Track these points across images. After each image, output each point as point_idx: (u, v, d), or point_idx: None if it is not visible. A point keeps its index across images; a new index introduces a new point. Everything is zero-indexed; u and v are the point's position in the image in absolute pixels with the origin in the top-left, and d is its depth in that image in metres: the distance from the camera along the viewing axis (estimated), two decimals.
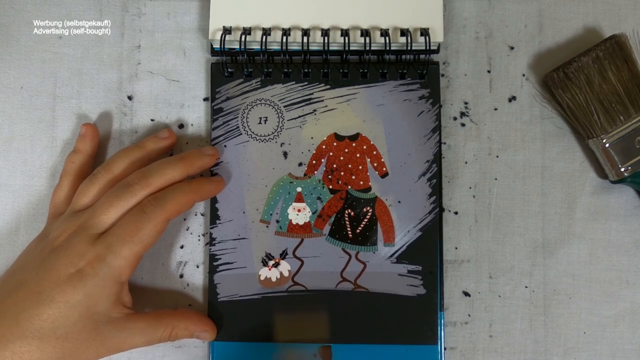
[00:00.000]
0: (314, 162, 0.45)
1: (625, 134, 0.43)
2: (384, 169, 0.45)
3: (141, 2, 0.47)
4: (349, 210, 0.44)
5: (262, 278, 0.44)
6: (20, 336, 0.36)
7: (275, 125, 0.45)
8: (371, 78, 0.45)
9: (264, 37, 0.44)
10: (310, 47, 0.44)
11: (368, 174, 0.45)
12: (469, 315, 0.45)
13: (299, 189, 0.45)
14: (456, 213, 0.46)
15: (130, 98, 0.47)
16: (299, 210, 0.45)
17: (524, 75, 0.47)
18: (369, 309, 0.44)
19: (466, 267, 0.45)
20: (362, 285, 0.44)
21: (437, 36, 0.44)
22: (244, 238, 0.44)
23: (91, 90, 0.47)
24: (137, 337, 0.40)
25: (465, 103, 0.46)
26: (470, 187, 0.46)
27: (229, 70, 0.45)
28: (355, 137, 0.45)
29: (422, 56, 0.45)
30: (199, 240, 0.46)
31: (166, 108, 0.47)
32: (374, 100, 0.45)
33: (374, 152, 0.45)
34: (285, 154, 0.45)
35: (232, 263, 0.44)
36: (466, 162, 0.46)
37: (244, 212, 0.45)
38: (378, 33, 0.44)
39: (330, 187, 0.45)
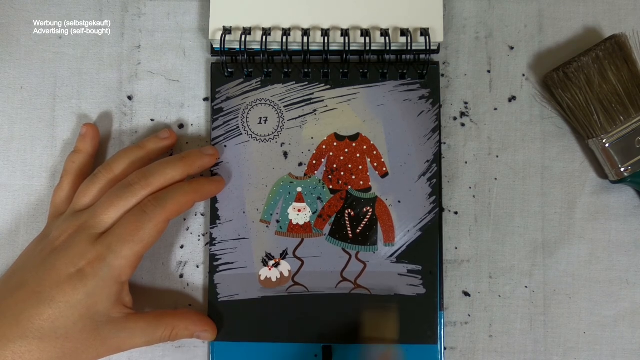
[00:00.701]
0: (314, 162, 0.45)
1: (625, 134, 0.43)
2: (384, 169, 0.45)
3: (141, 2, 0.47)
4: (349, 210, 0.44)
5: (262, 278, 0.44)
6: (21, 336, 0.36)
7: (276, 125, 0.45)
8: (371, 78, 0.45)
9: (264, 37, 0.44)
10: (310, 47, 0.44)
11: (368, 174, 0.45)
12: (469, 315, 0.45)
13: (299, 189, 0.45)
14: (456, 213, 0.46)
15: (130, 98, 0.47)
16: (299, 210, 0.45)
17: (524, 75, 0.47)
18: (369, 308, 0.44)
19: (466, 267, 0.45)
20: (363, 285, 0.44)
21: (437, 36, 0.44)
22: (244, 238, 0.44)
23: (91, 90, 0.47)
24: (138, 337, 0.40)
25: (465, 103, 0.46)
26: (470, 187, 0.46)
27: (229, 70, 0.45)
28: (355, 137, 0.45)
29: (422, 56, 0.45)
30: (199, 240, 0.46)
31: (166, 108, 0.47)
32: (374, 100, 0.45)
33: (374, 152, 0.45)
34: (285, 154, 0.45)
35: (232, 263, 0.44)
36: (466, 162, 0.46)
37: (244, 212, 0.45)
38: (378, 33, 0.44)
39: (331, 187, 0.45)
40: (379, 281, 0.44)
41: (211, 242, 0.44)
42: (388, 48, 0.44)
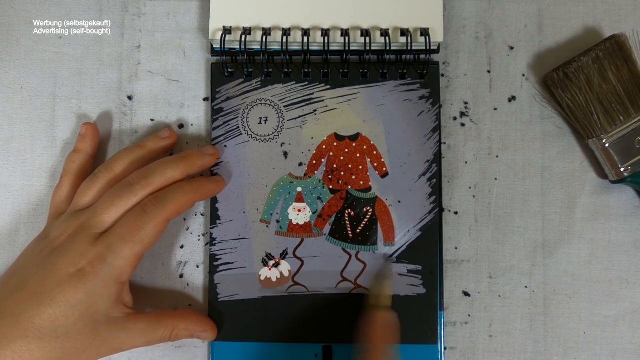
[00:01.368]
0: (314, 162, 0.45)
1: (625, 134, 0.43)
2: (384, 169, 0.45)
3: (141, 2, 0.47)
4: (349, 210, 0.44)
5: (262, 278, 0.44)
6: (21, 336, 0.36)
7: (276, 125, 0.45)
8: (371, 78, 0.45)
9: (264, 37, 0.44)
10: (310, 47, 0.44)
11: (368, 174, 0.45)
12: (469, 315, 0.45)
13: (299, 189, 0.45)
14: (456, 213, 0.46)
15: (130, 98, 0.47)
16: (299, 210, 0.45)
17: (524, 75, 0.47)
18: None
19: (466, 267, 0.45)
20: (363, 285, 0.44)
21: (437, 36, 0.44)
22: (244, 238, 0.44)
23: (91, 90, 0.47)
24: (138, 338, 0.40)
25: (465, 103, 0.46)
26: (470, 187, 0.46)
27: (229, 70, 0.45)
28: (355, 137, 0.45)
29: (422, 56, 0.45)
30: (199, 240, 0.46)
31: (166, 108, 0.47)
32: (374, 100, 0.45)
33: (374, 152, 0.45)
34: (285, 154, 0.45)
35: (232, 263, 0.44)
36: (466, 162, 0.46)
37: (244, 212, 0.45)
38: (378, 33, 0.44)
39: (331, 187, 0.45)
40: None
41: (211, 242, 0.44)
42: (388, 48, 0.44)
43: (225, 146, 0.45)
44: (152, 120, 0.47)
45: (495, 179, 0.46)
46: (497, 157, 0.46)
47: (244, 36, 0.44)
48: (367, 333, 0.40)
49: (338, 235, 0.44)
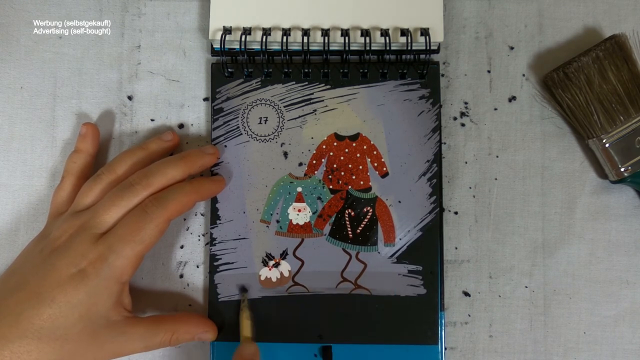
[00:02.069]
0: (314, 162, 0.45)
1: (625, 134, 0.43)
2: (384, 168, 0.45)
3: (141, 2, 0.47)
4: (349, 210, 0.44)
5: (262, 278, 0.44)
6: (20, 336, 0.36)
7: (276, 125, 0.45)
8: (371, 78, 0.45)
9: (264, 37, 0.44)
10: (310, 47, 0.44)
11: (368, 173, 0.45)
12: (469, 315, 0.45)
13: (299, 189, 0.45)
14: (456, 213, 0.46)
15: (130, 98, 0.47)
16: (299, 210, 0.45)
17: (524, 75, 0.47)
18: (370, 309, 0.44)
19: (466, 267, 0.45)
20: (363, 285, 0.44)
21: (437, 36, 0.44)
22: (244, 238, 0.44)
23: (91, 90, 0.47)
24: (136, 342, 0.40)
25: (465, 103, 0.46)
26: (470, 187, 0.46)
27: (229, 70, 0.45)
28: (355, 137, 0.45)
29: (422, 56, 0.45)
30: (199, 240, 0.46)
31: (166, 108, 0.47)
32: (374, 100, 0.45)
33: (374, 152, 0.45)
34: (285, 154, 0.45)
35: (232, 263, 0.44)
36: (466, 162, 0.46)
37: (244, 212, 0.45)
38: (378, 33, 0.44)
39: (331, 187, 0.45)
40: (379, 281, 0.44)
41: (211, 242, 0.44)
42: (388, 48, 0.44)
43: (226, 146, 0.45)
44: (152, 120, 0.47)
45: (495, 179, 0.46)
46: (497, 157, 0.46)
47: (244, 36, 0.44)
48: None
49: (338, 235, 0.44)
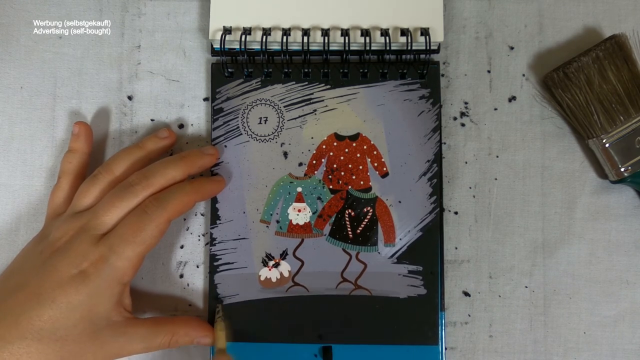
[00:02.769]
0: (314, 162, 0.45)
1: (625, 134, 0.43)
2: (385, 168, 0.45)
3: (141, 2, 0.47)
4: (350, 211, 0.44)
5: (262, 278, 0.44)
6: (20, 337, 0.36)
7: (276, 125, 0.45)
8: (371, 78, 0.45)
9: (264, 37, 0.44)
10: (310, 47, 0.44)
11: (368, 173, 0.45)
12: (469, 315, 0.45)
13: (299, 189, 0.45)
14: (456, 213, 0.46)
15: (130, 98, 0.47)
16: (299, 211, 0.45)
17: (524, 75, 0.47)
18: (370, 309, 0.44)
19: (466, 267, 0.45)
20: (363, 285, 0.44)
21: (437, 36, 0.44)
22: (244, 238, 0.44)
23: (91, 90, 0.47)
24: (136, 343, 0.40)
25: (465, 103, 0.46)
26: (470, 187, 0.46)
27: (229, 70, 0.45)
28: (355, 137, 0.45)
29: (422, 56, 0.45)
30: (199, 240, 0.46)
31: (166, 108, 0.47)
32: (374, 100, 0.45)
33: (374, 152, 0.45)
34: (285, 154, 0.45)
35: (232, 263, 0.44)
36: (466, 162, 0.46)
37: (244, 212, 0.45)
38: (378, 33, 0.44)
39: (331, 187, 0.45)
40: (379, 282, 0.44)
41: (211, 242, 0.44)
42: (388, 48, 0.43)
43: (226, 146, 0.45)
44: (152, 120, 0.47)
45: (495, 179, 0.46)
46: (497, 157, 0.46)
47: (244, 36, 0.44)
48: None
49: (338, 235, 0.44)
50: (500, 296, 0.45)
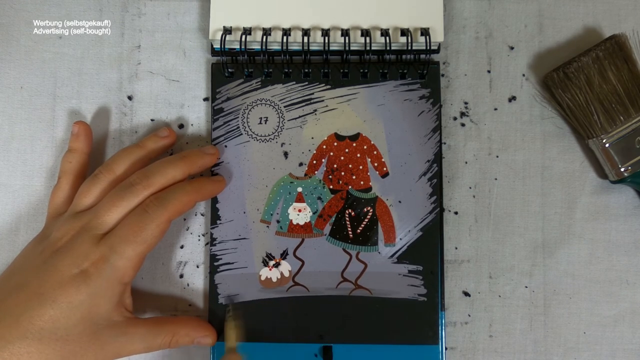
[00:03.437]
0: (314, 162, 0.45)
1: (625, 134, 0.43)
2: (385, 168, 0.45)
3: (141, 2, 0.47)
4: (350, 210, 0.44)
5: (262, 278, 0.44)
6: (20, 337, 0.36)
7: (276, 125, 0.45)
8: (371, 78, 0.45)
9: (264, 37, 0.44)
10: (310, 47, 0.44)
11: (368, 173, 0.45)
12: (469, 315, 0.45)
13: (299, 189, 0.45)
14: (456, 213, 0.46)
15: (130, 98, 0.47)
16: (299, 210, 0.45)
17: (524, 75, 0.47)
18: (370, 309, 0.44)
19: (466, 267, 0.45)
20: (363, 285, 0.44)
21: (437, 36, 0.44)
22: (244, 238, 0.44)
23: (91, 90, 0.47)
24: (137, 343, 0.40)
25: (465, 103, 0.46)
26: (470, 187, 0.46)
27: (229, 70, 0.45)
28: (355, 137, 0.45)
29: (422, 56, 0.45)
30: (199, 240, 0.46)
31: (166, 108, 0.47)
32: (375, 100, 0.45)
33: (375, 152, 0.45)
34: (285, 154, 0.45)
35: (232, 263, 0.44)
36: (466, 162, 0.46)
37: (244, 212, 0.45)
38: (378, 33, 0.44)
39: (331, 187, 0.45)
40: (379, 282, 0.44)
41: (212, 242, 0.44)
42: (388, 48, 0.44)
43: (226, 146, 0.45)
44: (152, 120, 0.47)
45: (495, 179, 0.46)
46: (497, 157, 0.46)
47: (244, 36, 0.44)
48: None
49: (338, 235, 0.44)
50: (500, 296, 0.45)
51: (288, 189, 0.45)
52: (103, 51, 0.47)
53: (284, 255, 0.44)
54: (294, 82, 0.45)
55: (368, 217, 0.44)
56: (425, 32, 0.44)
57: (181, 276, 0.46)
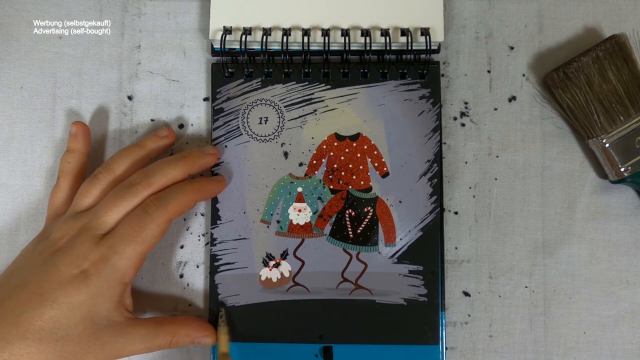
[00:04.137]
0: (314, 162, 0.45)
1: (625, 134, 0.43)
2: (385, 168, 0.45)
3: (141, 2, 0.47)
4: (350, 211, 0.44)
5: (262, 278, 0.44)
6: (20, 338, 0.36)
7: (276, 125, 0.45)
8: (372, 78, 0.45)
9: (265, 37, 0.44)
10: (310, 47, 0.44)
11: (369, 173, 0.45)
12: (469, 315, 0.45)
13: (299, 189, 0.45)
14: (456, 213, 0.46)
15: (130, 98, 0.47)
16: (299, 211, 0.45)
17: (524, 75, 0.47)
18: (370, 309, 0.44)
19: (466, 267, 0.45)
20: (363, 285, 0.44)
21: (437, 36, 0.44)
22: (244, 238, 0.44)
23: (91, 90, 0.47)
24: (137, 343, 0.40)
25: (465, 103, 0.46)
26: (470, 187, 0.46)
27: (230, 70, 0.45)
28: (355, 137, 0.45)
29: (422, 56, 0.45)
30: (199, 240, 0.46)
31: (166, 108, 0.47)
32: (375, 100, 0.45)
33: (375, 152, 0.45)
34: (285, 154, 0.45)
35: (233, 263, 0.44)
36: (466, 162, 0.46)
37: (244, 213, 0.44)
38: (378, 33, 0.44)
39: (331, 187, 0.45)
40: (379, 282, 0.44)
41: (212, 242, 0.44)
42: (388, 48, 0.44)
43: (226, 146, 0.45)
44: (152, 120, 0.47)
45: (495, 179, 0.46)
46: (497, 157, 0.46)
47: (244, 36, 0.44)
48: None
49: (339, 235, 0.44)
50: (500, 296, 0.45)
51: (288, 189, 0.45)
52: (103, 51, 0.47)
53: (284, 256, 0.44)
54: (294, 82, 0.45)
55: (368, 217, 0.44)
56: (425, 32, 0.44)
57: (181, 276, 0.46)
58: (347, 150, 0.45)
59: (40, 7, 0.47)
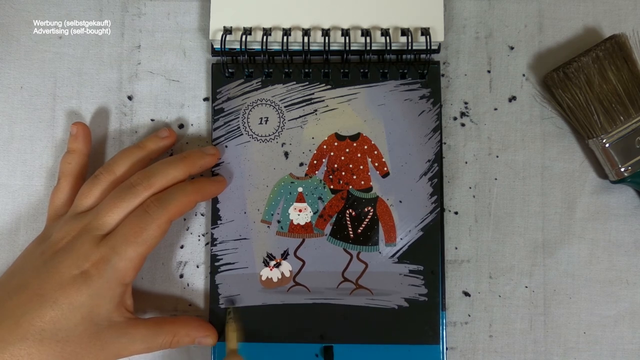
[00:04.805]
0: (315, 162, 0.45)
1: (625, 134, 0.43)
2: (385, 168, 0.45)
3: (141, 2, 0.47)
4: (350, 210, 0.44)
5: (263, 278, 0.44)
6: (21, 338, 0.36)
7: (276, 125, 0.45)
8: (372, 78, 0.45)
9: (265, 37, 0.44)
10: (310, 47, 0.44)
11: (369, 173, 0.45)
12: (469, 315, 0.45)
13: (300, 189, 0.45)
14: (456, 213, 0.46)
15: (130, 98, 0.47)
16: (300, 211, 0.45)
17: (524, 75, 0.47)
18: (371, 309, 0.44)
19: (466, 267, 0.45)
20: (364, 285, 0.44)
21: (437, 36, 0.44)
22: (245, 238, 0.44)
23: (91, 90, 0.47)
24: (138, 343, 0.40)
25: (465, 103, 0.47)
26: (470, 187, 0.46)
27: (230, 70, 0.45)
28: (356, 137, 0.45)
29: (422, 56, 0.45)
30: (199, 240, 0.46)
31: (166, 108, 0.47)
32: (375, 100, 0.45)
33: (375, 152, 0.45)
34: (286, 154, 0.45)
35: (233, 263, 0.44)
36: (466, 162, 0.46)
37: (245, 213, 0.44)
38: (378, 33, 0.44)
39: (332, 187, 0.45)
40: (380, 281, 0.44)
41: (212, 242, 0.44)
42: (388, 48, 0.44)
43: (226, 146, 0.45)
44: (152, 120, 0.47)
45: (495, 179, 0.46)
46: (497, 157, 0.46)
47: (244, 36, 0.44)
48: None
49: (339, 235, 0.44)
50: (500, 296, 0.45)
51: (289, 189, 0.45)
52: (103, 51, 0.47)
53: (284, 256, 0.44)
54: (295, 82, 0.45)
55: (369, 217, 0.44)
56: (425, 32, 0.44)
57: (181, 276, 0.46)
58: (347, 150, 0.45)
59: (40, 7, 0.47)
